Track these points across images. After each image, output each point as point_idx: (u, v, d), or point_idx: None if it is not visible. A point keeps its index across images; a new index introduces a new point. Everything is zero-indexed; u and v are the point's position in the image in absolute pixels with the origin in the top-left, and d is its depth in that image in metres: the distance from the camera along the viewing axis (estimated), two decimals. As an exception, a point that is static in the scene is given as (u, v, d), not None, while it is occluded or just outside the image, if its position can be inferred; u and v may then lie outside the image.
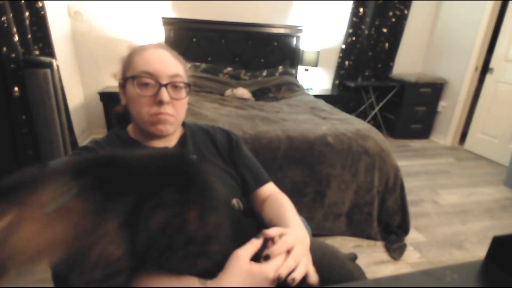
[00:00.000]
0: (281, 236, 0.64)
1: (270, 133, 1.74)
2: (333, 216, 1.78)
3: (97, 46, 2.95)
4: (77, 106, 2.91)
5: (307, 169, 1.71)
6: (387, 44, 3.64)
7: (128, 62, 0.77)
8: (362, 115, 3.82)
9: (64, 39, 2.72)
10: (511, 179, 2.56)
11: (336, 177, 1.75)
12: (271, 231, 0.64)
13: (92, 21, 2.88)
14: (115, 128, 0.86)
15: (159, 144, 0.80)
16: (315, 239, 0.79)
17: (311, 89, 3.43)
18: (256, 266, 0.59)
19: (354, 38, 3.53)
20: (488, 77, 3.15)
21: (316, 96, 2.93)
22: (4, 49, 1.80)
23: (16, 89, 1.88)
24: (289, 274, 0.59)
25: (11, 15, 1.83)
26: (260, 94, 2.91)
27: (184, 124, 0.90)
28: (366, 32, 3.50)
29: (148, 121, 0.75)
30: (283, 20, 3.34)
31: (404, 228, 1.84)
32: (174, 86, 0.76)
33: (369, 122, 3.73)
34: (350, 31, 3.48)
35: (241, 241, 0.80)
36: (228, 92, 2.76)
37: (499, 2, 3.04)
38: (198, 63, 3.03)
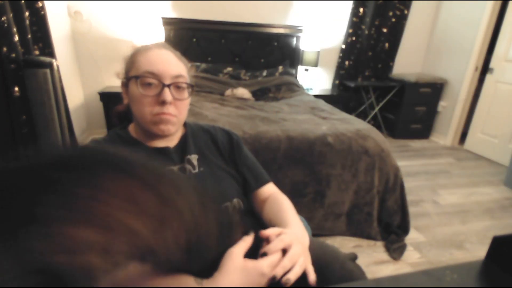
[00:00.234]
0: (279, 235, 0.65)
1: (270, 133, 1.74)
2: (333, 216, 1.78)
3: (97, 46, 2.95)
4: (77, 106, 2.91)
5: (307, 169, 1.71)
6: (387, 44, 3.64)
7: (132, 61, 0.77)
8: (362, 115, 3.82)
9: (64, 39, 2.72)
10: (511, 179, 2.56)
11: (336, 177, 1.75)
12: (268, 231, 0.65)
13: (92, 21, 2.88)
14: (116, 127, 0.86)
15: (160, 144, 0.81)
16: (315, 239, 0.80)
17: (311, 89, 3.43)
18: (251, 262, 0.60)
19: (354, 38, 3.53)
20: (488, 77, 3.15)
21: (316, 96, 2.93)
22: (4, 49, 1.80)
23: (16, 89, 1.88)
24: (285, 274, 0.60)
25: (11, 15, 1.83)
26: (260, 94, 2.91)
27: (185, 124, 0.90)
28: (366, 32, 3.50)
29: (150, 121, 0.76)
30: (283, 20, 3.34)
31: (404, 228, 1.84)
32: (177, 87, 0.77)
33: (369, 122, 3.73)
34: (350, 31, 3.48)
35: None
36: (228, 92, 2.76)
37: (499, 2, 3.04)
38: (198, 63, 3.03)
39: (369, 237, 1.82)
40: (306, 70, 3.42)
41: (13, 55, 1.84)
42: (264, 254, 0.61)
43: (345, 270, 0.70)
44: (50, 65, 1.93)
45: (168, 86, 0.74)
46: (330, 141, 1.75)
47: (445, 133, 3.61)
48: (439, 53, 3.68)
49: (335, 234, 1.82)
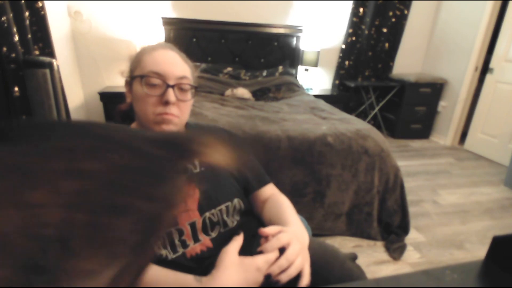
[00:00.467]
0: (277, 233, 0.66)
1: (270, 133, 1.74)
2: (333, 216, 1.78)
3: (97, 46, 2.95)
4: (77, 106, 2.91)
5: (307, 169, 1.71)
6: (387, 44, 3.64)
7: (137, 61, 0.78)
8: (362, 115, 3.82)
9: (64, 39, 2.72)
10: (511, 179, 2.56)
11: (336, 177, 1.75)
12: (266, 229, 0.66)
13: (92, 21, 2.88)
14: None
15: None
16: (315, 239, 0.80)
17: (311, 89, 3.43)
18: (247, 259, 0.62)
19: (354, 38, 3.53)
20: (488, 77, 3.15)
21: (316, 96, 2.93)
22: (4, 49, 1.80)
23: (16, 89, 1.88)
24: (281, 272, 0.62)
25: (11, 15, 1.83)
26: (260, 94, 2.91)
27: (186, 124, 0.90)
28: (366, 32, 3.50)
29: (152, 120, 0.76)
30: (283, 20, 3.34)
31: (404, 228, 1.84)
32: (181, 88, 0.77)
33: (369, 122, 3.73)
34: (350, 31, 3.48)
35: (243, 240, 0.80)
36: (228, 92, 2.76)
37: (499, 2, 3.04)
38: (198, 63, 3.03)
39: (369, 237, 1.82)
40: (306, 70, 3.42)
41: (13, 55, 1.84)
42: (261, 252, 0.62)
43: (345, 269, 0.70)
44: (50, 65, 1.93)
45: (172, 87, 0.75)
46: (330, 141, 1.75)
47: (445, 133, 3.61)
48: (439, 53, 3.68)
49: (335, 234, 1.82)
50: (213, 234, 0.77)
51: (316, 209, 1.76)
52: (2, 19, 1.75)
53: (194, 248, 0.73)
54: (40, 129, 0.31)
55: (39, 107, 1.91)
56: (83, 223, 0.27)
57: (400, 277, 0.46)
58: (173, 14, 3.04)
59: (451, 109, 3.52)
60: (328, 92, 3.41)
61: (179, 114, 0.77)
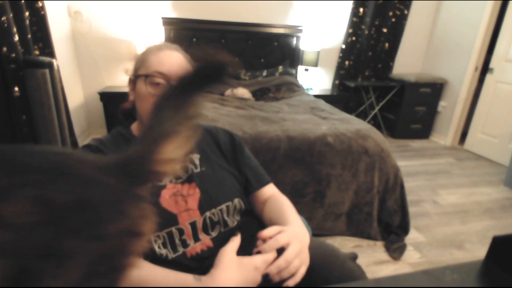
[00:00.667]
0: (277, 234, 0.66)
1: (270, 133, 1.74)
2: (333, 216, 1.78)
3: (97, 46, 2.95)
4: (77, 106, 2.91)
5: (307, 169, 1.71)
6: (387, 44, 3.64)
7: (142, 60, 0.79)
8: (362, 115, 3.82)
9: (64, 39, 2.72)
10: (511, 179, 2.56)
11: (336, 177, 1.75)
12: (265, 232, 0.66)
13: (92, 21, 2.88)
14: (118, 126, 0.87)
15: None
16: (316, 239, 0.80)
17: (311, 89, 3.43)
18: (245, 258, 0.63)
19: (354, 38, 3.53)
20: (488, 77, 3.15)
21: (316, 96, 2.93)
22: (4, 49, 1.80)
23: (16, 89, 1.88)
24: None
25: (11, 15, 1.83)
26: (260, 94, 2.91)
27: None
28: (366, 32, 3.50)
29: None
30: (283, 20, 3.34)
31: (404, 228, 1.84)
32: None
33: (369, 122, 3.73)
34: (350, 31, 3.48)
35: (243, 240, 0.81)
36: (228, 92, 2.76)
37: (499, 2, 3.04)
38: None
39: (369, 237, 1.82)
40: (306, 70, 3.42)
41: (13, 55, 1.84)
42: (258, 253, 0.63)
43: (345, 269, 0.71)
44: (49, 65, 1.93)
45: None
46: (330, 141, 1.75)
47: (445, 133, 3.61)
48: (439, 53, 3.68)
49: (335, 234, 1.82)
50: (214, 234, 0.77)
51: (316, 209, 1.76)
52: (2, 19, 1.75)
53: (195, 248, 0.73)
54: None
55: (39, 107, 1.91)
56: (13, 273, 0.26)
57: (400, 277, 0.47)
58: (173, 14, 3.04)
59: (451, 109, 3.52)
60: (328, 92, 3.41)
61: None
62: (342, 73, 3.62)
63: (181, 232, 0.73)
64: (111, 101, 2.82)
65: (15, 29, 1.86)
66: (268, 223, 0.83)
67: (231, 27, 3.14)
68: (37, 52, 2.15)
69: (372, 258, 1.68)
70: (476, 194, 2.46)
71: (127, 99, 0.86)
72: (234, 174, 0.86)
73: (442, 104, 3.60)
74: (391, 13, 3.50)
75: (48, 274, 0.27)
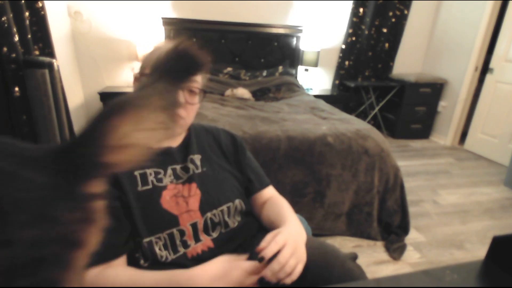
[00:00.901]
0: (274, 236, 0.67)
1: (270, 133, 1.74)
2: (333, 216, 1.78)
3: (97, 46, 2.95)
4: (77, 106, 2.91)
5: (307, 169, 1.71)
6: (387, 44, 3.64)
7: (150, 59, 0.78)
8: (362, 115, 3.82)
9: (64, 39, 2.71)
10: (511, 179, 2.56)
11: (336, 177, 1.75)
12: (263, 244, 0.65)
13: (92, 21, 2.88)
14: None
15: (164, 144, 0.81)
16: (316, 239, 0.80)
17: (311, 89, 3.43)
18: (237, 257, 0.66)
19: (354, 38, 3.53)
20: (488, 77, 3.15)
21: (316, 96, 2.93)
22: (4, 49, 1.80)
23: (16, 89, 1.88)
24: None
25: (11, 15, 1.83)
26: (260, 94, 2.91)
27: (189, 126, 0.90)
28: (366, 32, 3.50)
29: None
30: (283, 20, 3.34)
31: (404, 228, 1.84)
32: (190, 91, 0.77)
33: (369, 122, 3.73)
34: (350, 31, 3.48)
35: (243, 241, 0.81)
36: (228, 92, 2.76)
37: (499, 2, 3.04)
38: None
39: (369, 237, 1.82)
40: (306, 70, 3.42)
41: (13, 55, 1.84)
42: (261, 259, 0.63)
43: (345, 269, 0.71)
44: (49, 65, 1.93)
45: (182, 88, 0.75)
46: (330, 141, 1.75)
47: (445, 133, 3.61)
48: (439, 53, 3.68)
49: (335, 234, 1.82)
50: (214, 235, 0.77)
51: (316, 209, 1.76)
52: (2, 19, 1.75)
53: (195, 248, 0.73)
54: None
55: (39, 107, 1.91)
56: None
57: (400, 277, 0.47)
58: (173, 14, 3.04)
59: (451, 109, 3.52)
60: (328, 92, 3.41)
61: (185, 116, 0.78)
62: (342, 73, 3.62)
63: (182, 233, 0.73)
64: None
65: (15, 29, 1.86)
66: (267, 223, 0.84)
67: (231, 27, 3.14)
68: (37, 52, 2.15)
69: (372, 258, 1.68)
70: (476, 194, 2.46)
71: None
72: (235, 175, 0.86)
73: (442, 104, 3.60)
74: (391, 13, 3.50)
75: None
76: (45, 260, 0.26)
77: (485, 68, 3.20)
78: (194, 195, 0.77)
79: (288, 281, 0.63)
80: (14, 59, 1.85)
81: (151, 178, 0.73)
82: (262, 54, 3.29)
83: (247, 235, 0.81)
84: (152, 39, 2.88)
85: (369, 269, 1.60)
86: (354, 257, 0.78)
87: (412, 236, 1.87)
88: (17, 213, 0.25)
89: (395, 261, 1.67)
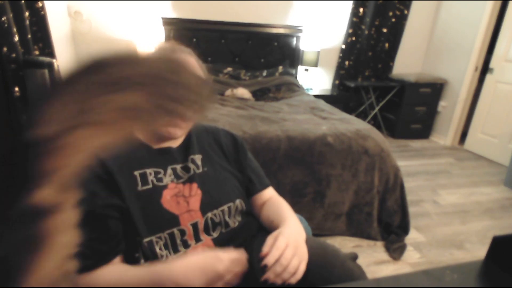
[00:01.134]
0: (275, 239, 0.67)
1: (270, 133, 1.74)
2: (333, 216, 1.78)
3: (97, 46, 2.95)
4: (77, 106, 2.91)
5: (307, 169, 1.71)
6: (387, 44, 3.64)
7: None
8: (362, 115, 3.82)
9: (64, 39, 2.71)
10: (511, 179, 2.56)
11: (336, 177, 1.75)
12: (265, 249, 0.66)
13: (92, 21, 2.88)
14: None
15: (164, 144, 0.81)
16: (316, 239, 0.80)
17: (311, 89, 3.43)
18: (217, 250, 0.67)
19: (354, 38, 3.53)
20: (488, 77, 3.15)
21: (316, 96, 2.93)
22: (4, 49, 1.80)
23: (16, 89, 1.88)
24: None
25: (11, 15, 1.83)
26: (260, 94, 2.91)
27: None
28: (366, 32, 3.50)
29: None
30: (283, 20, 3.34)
31: (404, 228, 1.84)
32: None
33: (369, 122, 3.73)
34: (350, 31, 3.48)
35: (243, 240, 0.81)
36: (228, 92, 2.76)
37: (499, 2, 3.04)
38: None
39: (369, 237, 1.82)
40: (306, 70, 3.42)
41: (13, 55, 1.84)
42: (265, 266, 0.63)
43: (345, 269, 0.71)
44: (49, 65, 1.93)
45: None
46: (330, 141, 1.75)
47: (445, 133, 3.61)
48: (439, 53, 3.68)
49: (335, 234, 1.82)
50: (215, 234, 0.77)
51: (316, 209, 1.76)
52: (2, 19, 1.75)
53: (196, 248, 0.73)
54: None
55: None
56: None
57: (400, 277, 0.47)
58: (173, 14, 3.04)
59: (451, 109, 3.52)
60: (328, 92, 3.41)
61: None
62: (342, 73, 3.62)
63: (182, 233, 0.73)
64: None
65: (15, 29, 1.86)
66: (266, 223, 0.85)
67: (231, 27, 3.14)
68: (37, 52, 2.15)
69: (372, 258, 1.69)
70: (476, 194, 2.46)
71: None
72: (236, 175, 0.87)
73: (442, 104, 3.60)
74: (391, 13, 3.50)
75: None
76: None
77: (485, 68, 3.20)
78: (195, 195, 0.77)
79: (293, 280, 0.64)
80: (14, 59, 1.85)
81: (151, 177, 0.73)
82: (262, 54, 3.29)
83: (247, 235, 0.82)
84: (152, 39, 2.88)
85: (369, 269, 1.60)
86: (354, 257, 0.78)
87: (412, 236, 1.87)
88: None
89: (395, 261, 1.67)
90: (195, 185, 0.78)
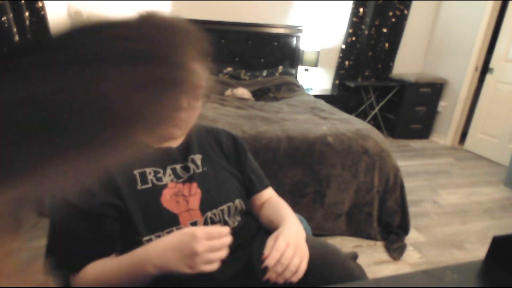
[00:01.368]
0: (275, 240, 0.68)
1: (270, 133, 1.74)
2: (333, 216, 1.78)
3: (97, 46, 2.95)
4: (77, 106, 2.91)
5: (307, 169, 1.71)
6: (387, 44, 3.64)
7: None
8: (362, 115, 3.82)
9: (64, 39, 2.72)
10: (511, 179, 2.56)
11: (336, 177, 1.75)
12: (266, 251, 0.67)
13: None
14: None
15: (164, 144, 0.81)
16: (316, 239, 0.80)
17: (311, 89, 3.43)
18: (190, 229, 0.63)
19: (354, 38, 3.53)
20: (488, 77, 3.15)
21: (316, 96, 2.93)
22: (5, 49, 1.80)
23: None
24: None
25: (11, 15, 1.83)
26: (260, 94, 2.91)
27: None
28: (366, 32, 3.50)
29: None
30: (283, 20, 3.34)
31: (404, 228, 1.84)
32: (194, 95, 0.77)
33: (369, 122, 3.73)
34: (350, 31, 3.48)
35: (243, 240, 0.81)
36: (228, 92, 2.76)
37: (499, 2, 3.04)
38: (198, 63, 3.03)
39: (369, 237, 1.82)
40: (306, 70, 3.42)
41: (13, 55, 1.84)
42: (266, 268, 0.64)
43: (346, 269, 0.71)
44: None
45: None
46: (330, 141, 1.75)
47: (445, 133, 3.61)
48: (439, 53, 3.68)
49: (335, 234, 1.82)
50: None
51: (316, 209, 1.76)
52: (2, 19, 1.75)
53: None
54: None
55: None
56: None
57: (400, 277, 0.47)
58: (173, 14, 3.04)
59: (451, 109, 3.52)
60: (328, 92, 3.41)
61: (187, 119, 0.78)
62: (342, 73, 3.62)
63: None
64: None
65: (15, 29, 1.86)
66: (265, 223, 0.85)
67: (231, 27, 3.14)
68: (37, 52, 2.15)
69: (372, 258, 1.69)
70: (476, 194, 2.46)
71: None
72: (236, 175, 0.87)
73: (442, 104, 3.60)
74: (391, 13, 3.50)
75: None
76: None
77: (485, 68, 3.20)
78: (195, 194, 0.77)
79: (295, 279, 0.64)
80: (14, 59, 1.85)
81: (150, 177, 0.73)
82: (262, 54, 3.29)
83: (247, 234, 0.82)
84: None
85: (369, 269, 1.60)
86: (354, 256, 0.78)
87: (412, 236, 1.87)
88: None
89: (395, 261, 1.67)
90: (194, 185, 0.78)
